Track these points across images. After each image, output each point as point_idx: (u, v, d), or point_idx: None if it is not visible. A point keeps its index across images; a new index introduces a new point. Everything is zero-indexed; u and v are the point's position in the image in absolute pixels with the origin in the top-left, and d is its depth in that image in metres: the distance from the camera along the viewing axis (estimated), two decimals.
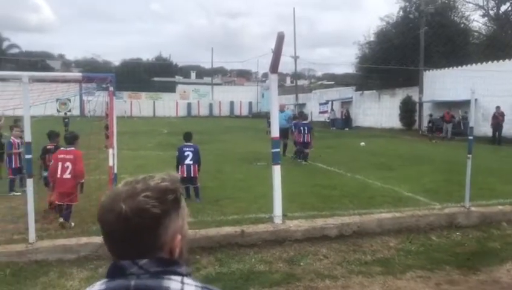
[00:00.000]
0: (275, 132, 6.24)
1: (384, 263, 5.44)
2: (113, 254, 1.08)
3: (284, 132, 14.16)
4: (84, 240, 5.60)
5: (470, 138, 7.04)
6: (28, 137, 5.53)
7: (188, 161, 8.57)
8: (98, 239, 5.67)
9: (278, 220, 6.19)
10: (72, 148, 6.90)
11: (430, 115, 25.76)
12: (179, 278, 1.06)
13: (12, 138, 9.76)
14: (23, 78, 5.15)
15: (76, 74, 6.99)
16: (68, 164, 6.70)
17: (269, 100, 6.59)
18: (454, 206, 7.56)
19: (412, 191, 9.67)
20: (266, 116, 28.68)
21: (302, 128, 15.24)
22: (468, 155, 7.02)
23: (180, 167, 8.59)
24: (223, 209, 7.97)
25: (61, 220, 6.77)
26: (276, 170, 6.24)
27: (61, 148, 7.13)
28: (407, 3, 33.20)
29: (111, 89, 6.59)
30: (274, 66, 6.23)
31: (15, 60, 53.35)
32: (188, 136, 9.10)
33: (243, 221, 6.96)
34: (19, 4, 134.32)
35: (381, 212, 7.30)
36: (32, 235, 5.45)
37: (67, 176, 6.69)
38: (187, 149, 8.76)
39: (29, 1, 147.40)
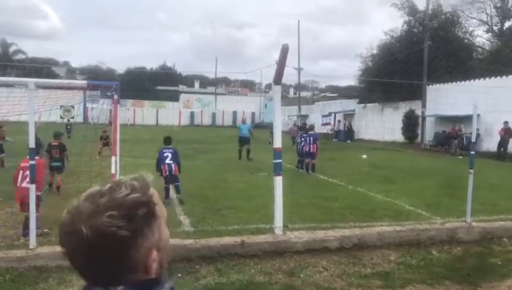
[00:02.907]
0: (278, 143, 6.25)
1: (384, 276, 5.42)
2: (83, 279, 0.94)
3: (246, 140, 18.56)
4: None
5: (472, 153, 7.05)
6: (31, 143, 5.57)
7: (168, 161, 9.30)
8: None
9: (278, 231, 6.19)
10: (36, 157, 6.57)
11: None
12: None
13: None
14: (29, 84, 5.21)
15: (82, 82, 7.06)
16: (28, 172, 6.39)
17: (272, 111, 6.63)
18: (455, 221, 7.55)
19: (413, 205, 9.66)
20: (269, 127, 29.00)
21: (308, 138, 15.46)
22: (470, 170, 7.02)
23: (162, 166, 9.31)
24: (224, 219, 7.97)
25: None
26: (278, 180, 6.25)
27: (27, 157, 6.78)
28: (411, 18, 33.40)
29: (115, 97, 6.64)
30: (278, 78, 6.28)
31: (21, 66, 53.70)
32: (168, 140, 9.89)
33: (243, 231, 6.95)
34: (28, 11, 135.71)
35: (382, 225, 7.29)
36: (32, 241, 5.46)
37: (25, 185, 6.46)
38: (166, 151, 9.53)
39: (38, 8, 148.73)
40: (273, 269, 5.61)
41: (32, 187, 5.48)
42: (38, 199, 6.75)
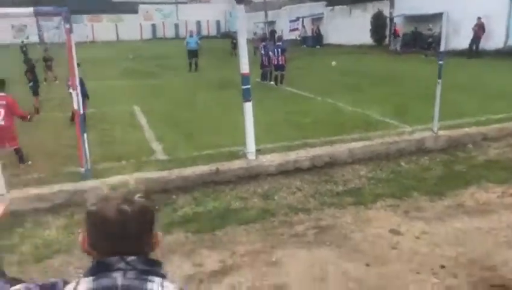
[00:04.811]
0: (245, 68, 6.04)
1: (356, 193, 5.62)
2: (103, 252, 1.13)
3: (194, 53, 19.83)
4: (56, 187, 5.52)
5: (440, 62, 6.98)
6: None
7: None
8: (71, 186, 5.63)
9: (251, 156, 6.23)
10: (3, 94, 6.70)
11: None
12: (159, 280, 1.13)
13: None
14: None
15: (28, 9, 6.43)
16: (1, 110, 6.59)
17: (238, 30, 6.31)
18: (423, 130, 7.74)
19: (382, 114, 9.79)
20: (232, 37, 28.20)
21: (275, 50, 15.17)
22: (438, 80, 7.04)
23: None
24: (197, 144, 7.91)
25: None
26: (247, 106, 6.16)
27: None
28: None
29: (67, 26, 6.12)
30: None
31: None
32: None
33: (217, 156, 6.96)
34: None
35: (353, 139, 7.41)
36: (1, 187, 5.33)
37: (1, 122, 6.61)
38: None
39: None
40: (248, 193, 5.73)
41: None
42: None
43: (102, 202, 1.15)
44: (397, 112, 9.89)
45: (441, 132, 7.24)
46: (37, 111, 11.10)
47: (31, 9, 6.71)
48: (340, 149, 6.59)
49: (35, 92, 11.98)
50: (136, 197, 1.14)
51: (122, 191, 1.19)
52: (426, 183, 5.86)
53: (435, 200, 5.34)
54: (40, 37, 44.90)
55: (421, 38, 25.64)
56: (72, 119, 8.89)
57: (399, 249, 4.21)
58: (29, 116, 7.02)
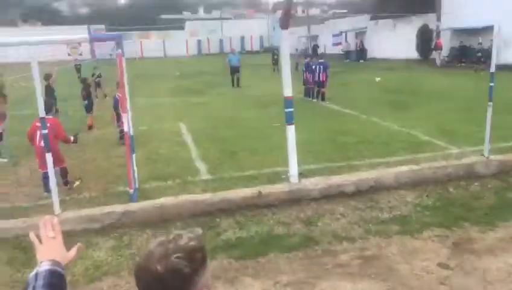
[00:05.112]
0: (288, 91, 6.08)
1: (401, 221, 5.46)
2: None
3: (236, 69, 20.92)
4: (107, 209, 5.73)
5: (491, 84, 6.72)
6: (41, 112, 5.52)
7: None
8: (121, 207, 5.83)
9: (294, 179, 6.22)
10: (49, 117, 6.60)
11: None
12: None
13: None
14: (32, 63, 5.00)
15: (84, 36, 6.80)
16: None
17: (281, 55, 6.35)
18: (472, 152, 7.48)
19: (429, 134, 9.56)
20: (273, 52, 28.64)
21: (317, 67, 15.29)
22: (489, 103, 6.77)
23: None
24: (240, 164, 8.01)
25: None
26: (290, 129, 6.17)
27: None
28: None
29: (119, 51, 6.40)
30: (284, 22, 5.96)
31: (20, 5, 52.25)
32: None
33: (259, 177, 7.04)
34: None
35: (399, 162, 7.27)
36: (56, 207, 5.60)
37: (43, 144, 6.44)
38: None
39: None
40: (291, 219, 5.69)
41: (49, 158, 5.51)
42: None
43: (144, 256, 1.22)
44: (444, 132, 9.63)
45: (492, 157, 6.94)
46: (90, 128, 11.72)
47: (86, 36, 7.10)
48: (386, 173, 6.46)
49: (89, 109, 12.52)
50: (174, 257, 1.16)
51: (168, 246, 1.19)
52: (476, 212, 5.61)
53: (485, 231, 5.11)
54: (92, 54, 47.03)
55: (468, 52, 24.87)
56: (121, 138, 9.26)
57: (448, 285, 4.06)
58: (72, 139, 7.16)
